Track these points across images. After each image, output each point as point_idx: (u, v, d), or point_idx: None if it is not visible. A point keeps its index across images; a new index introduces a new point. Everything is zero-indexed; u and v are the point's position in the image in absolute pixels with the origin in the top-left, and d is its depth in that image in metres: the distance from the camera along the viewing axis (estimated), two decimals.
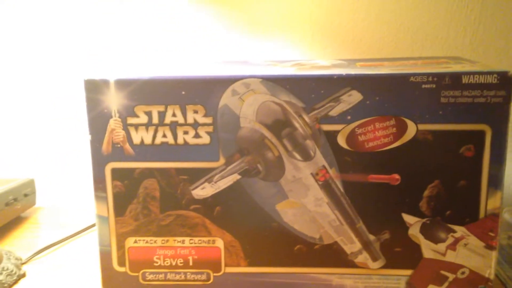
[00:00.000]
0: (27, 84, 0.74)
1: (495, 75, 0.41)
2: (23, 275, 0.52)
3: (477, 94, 0.41)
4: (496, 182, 0.42)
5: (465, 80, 0.41)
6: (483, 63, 0.47)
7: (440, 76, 0.41)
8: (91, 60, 0.72)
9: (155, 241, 0.46)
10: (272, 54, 0.70)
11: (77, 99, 0.72)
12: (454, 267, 0.44)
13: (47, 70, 0.74)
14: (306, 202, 0.44)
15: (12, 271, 0.50)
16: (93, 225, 0.61)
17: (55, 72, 0.73)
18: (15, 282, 0.50)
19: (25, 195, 0.68)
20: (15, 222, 0.67)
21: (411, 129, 0.42)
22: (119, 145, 0.44)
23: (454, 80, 0.41)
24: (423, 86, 0.42)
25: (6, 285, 0.48)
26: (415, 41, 0.68)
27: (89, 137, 0.44)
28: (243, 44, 0.71)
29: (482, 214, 0.43)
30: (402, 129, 0.42)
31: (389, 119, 0.42)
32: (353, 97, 0.42)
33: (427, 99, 0.42)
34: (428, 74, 0.41)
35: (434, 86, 0.42)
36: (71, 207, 0.72)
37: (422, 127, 0.42)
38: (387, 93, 0.42)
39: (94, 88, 0.43)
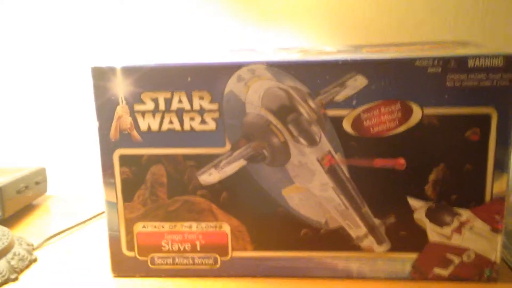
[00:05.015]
0: (36, 74, 0.75)
1: (501, 58, 0.41)
2: (35, 260, 0.53)
3: (483, 78, 0.41)
4: (502, 165, 0.42)
5: (471, 63, 0.41)
6: (490, 46, 0.47)
7: (445, 60, 0.41)
8: (99, 49, 0.73)
9: (163, 226, 0.47)
10: (280, 42, 0.70)
11: (86, 87, 0.72)
12: (459, 251, 0.44)
13: (56, 60, 0.74)
14: (312, 187, 0.45)
15: (23, 256, 0.51)
16: (103, 212, 0.62)
17: (64, 61, 0.74)
18: (27, 266, 0.51)
19: (37, 183, 0.69)
20: (27, 209, 0.68)
21: (417, 113, 0.42)
22: (126, 132, 0.45)
23: (460, 63, 0.41)
24: (429, 70, 0.42)
25: (18, 269, 0.49)
26: (422, 28, 0.67)
27: (96, 124, 0.45)
28: (250, 32, 0.70)
29: (488, 197, 0.43)
30: (408, 113, 0.42)
31: (394, 103, 0.42)
32: (358, 82, 0.42)
33: (432, 83, 0.42)
34: (433, 58, 0.41)
35: (439, 70, 0.41)
36: (81, 195, 0.73)
37: (428, 111, 0.42)
38: (392, 77, 0.42)
39: (101, 75, 0.44)
